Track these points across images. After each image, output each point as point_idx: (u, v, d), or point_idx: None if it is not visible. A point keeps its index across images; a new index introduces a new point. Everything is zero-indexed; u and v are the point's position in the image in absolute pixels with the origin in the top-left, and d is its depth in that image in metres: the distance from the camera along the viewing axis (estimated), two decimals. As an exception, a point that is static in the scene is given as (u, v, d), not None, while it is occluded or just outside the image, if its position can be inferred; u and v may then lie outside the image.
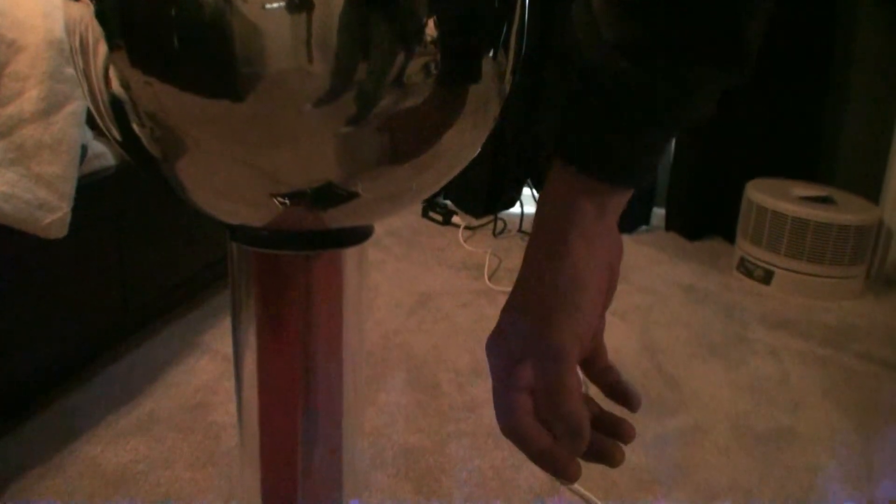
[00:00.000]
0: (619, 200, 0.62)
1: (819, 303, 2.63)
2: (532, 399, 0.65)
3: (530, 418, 0.64)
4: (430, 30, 0.53)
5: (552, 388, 0.60)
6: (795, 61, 2.85)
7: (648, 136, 0.61)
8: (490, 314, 2.33)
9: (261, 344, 0.69)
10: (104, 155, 1.82)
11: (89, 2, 0.57)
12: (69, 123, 1.59)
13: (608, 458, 0.64)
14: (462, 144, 0.62)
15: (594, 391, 0.64)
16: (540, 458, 0.63)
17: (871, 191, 2.83)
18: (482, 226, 3.21)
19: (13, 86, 1.53)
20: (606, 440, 0.64)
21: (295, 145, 0.55)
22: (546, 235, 0.63)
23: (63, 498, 1.52)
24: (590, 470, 0.57)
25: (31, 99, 1.54)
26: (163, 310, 2.25)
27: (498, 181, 3.29)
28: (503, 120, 2.50)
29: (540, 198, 0.64)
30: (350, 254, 0.68)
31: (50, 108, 1.56)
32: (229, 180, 0.58)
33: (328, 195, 0.58)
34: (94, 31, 0.57)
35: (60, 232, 1.57)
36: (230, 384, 0.76)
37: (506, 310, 0.65)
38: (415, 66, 0.53)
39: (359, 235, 0.67)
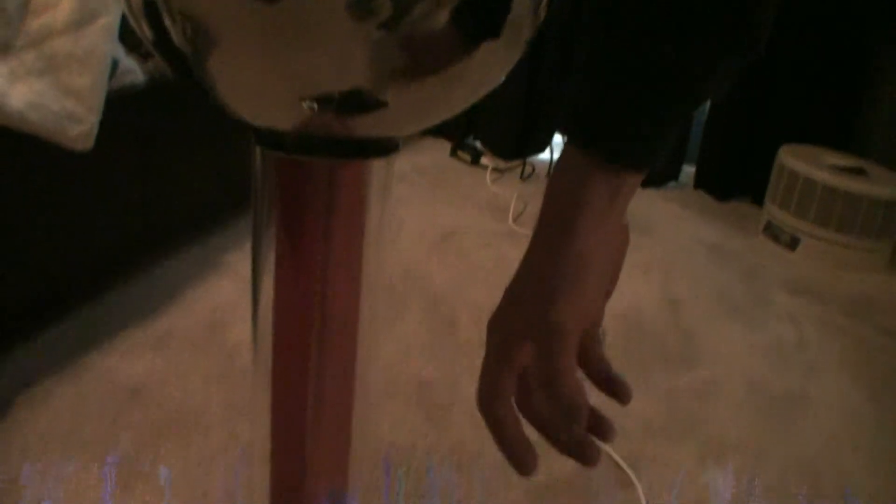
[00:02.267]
0: (632, 184, 0.62)
1: (843, 273, 2.61)
2: (519, 383, 0.65)
3: (509, 402, 0.64)
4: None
5: (550, 368, 0.60)
6: (838, 30, 2.81)
7: (662, 118, 0.60)
8: (512, 255, 2.32)
9: (279, 259, 0.69)
10: (134, 71, 1.81)
11: None
12: (100, 36, 1.58)
13: (583, 455, 0.63)
14: (492, 64, 0.61)
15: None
16: (504, 442, 0.64)
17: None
18: (510, 169, 3.20)
19: (42, 6, 1.52)
20: (585, 436, 0.64)
21: (326, 48, 0.54)
22: (556, 215, 0.62)
23: (76, 406, 1.54)
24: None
25: (63, 10, 1.53)
26: (185, 229, 2.26)
27: (529, 125, 3.27)
28: (538, 63, 2.47)
29: (551, 177, 0.63)
30: (375, 168, 0.68)
31: (82, 19, 1.55)
32: (258, 81, 0.58)
33: (356, 102, 0.57)
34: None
35: (87, 144, 1.57)
36: (248, 305, 0.77)
37: (510, 287, 0.65)
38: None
39: (385, 148, 0.66)
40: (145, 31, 0.61)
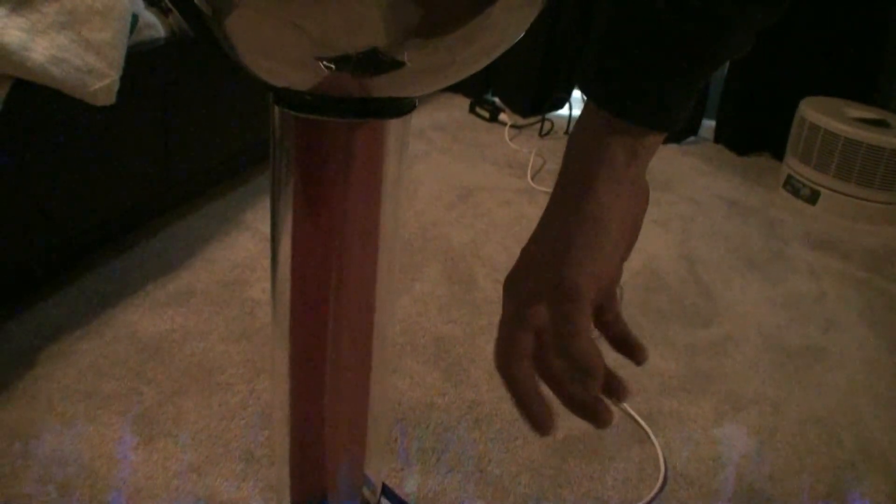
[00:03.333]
0: (652, 144, 0.61)
1: (863, 226, 2.60)
2: (536, 343, 0.65)
3: (527, 361, 0.64)
4: None
5: (565, 329, 0.60)
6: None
7: (683, 77, 0.59)
8: (531, 213, 2.33)
9: (297, 218, 0.69)
10: (155, 26, 1.81)
11: None
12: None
13: (596, 416, 0.63)
14: (508, 22, 0.61)
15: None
16: (521, 401, 0.64)
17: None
18: (529, 125, 3.19)
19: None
20: (599, 397, 0.64)
21: (342, 7, 0.54)
22: (574, 176, 0.62)
23: (98, 361, 1.55)
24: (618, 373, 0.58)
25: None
26: (206, 185, 2.27)
27: (548, 81, 3.25)
28: (557, 19, 2.46)
29: (571, 135, 0.63)
30: (391, 127, 0.68)
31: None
32: (276, 40, 0.58)
33: (373, 62, 0.57)
34: None
35: (108, 99, 1.57)
36: (269, 262, 0.78)
37: (526, 247, 0.65)
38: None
39: (401, 108, 0.66)
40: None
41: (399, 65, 0.58)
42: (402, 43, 0.57)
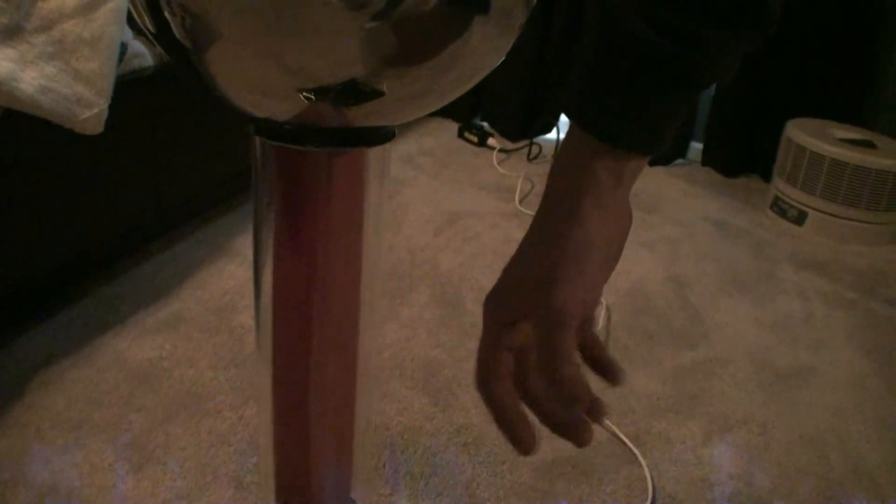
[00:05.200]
0: (636, 167, 0.62)
1: (851, 247, 2.61)
2: (516, 363, 0.65)
3: (506, 381, 0.65)
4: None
5: (552, 354, 0.60)
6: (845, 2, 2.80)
7: (667, 101, 0.60)
8: (519, 237, 2.33)
9: (279, 246, 0.70)
10: (143, 55, 1.82)
11: None
12: (109, 20, 1.59)
13: (577, 436, 0.64)
14: (486, 49, 0.62)
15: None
16: (502, 421, 0.65)
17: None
18: (517, 150, 3.20)
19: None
20: (580, 417, 0.64)
21: (321, 40, 0.55)
22: (559, 199, 0.62)
23: (88, 389, 1.56)
24: (606, 396, 0.58)
25: (69, 2, 1.54)
26: (195, 213, 2.27)
27: (536, 105, 3.27)
28: (545, 43, 2.47)
29: (556, 158, 0.64)
30: (372, 155, 0.68)
31: (91, 3, 1.56)
32: (256, 73, 0.59)
33: (352, 92, 0.58)
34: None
35: (96, 128, 1.58)
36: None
37: (509, 268, 0.65)
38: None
39: (381, 136, 0.67)
40: (147, 24, 0.63)
41: (378, 94, 0.59)
42: (381, 73, 0.58)
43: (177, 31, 0.60)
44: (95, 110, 1.56)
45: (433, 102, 0.65)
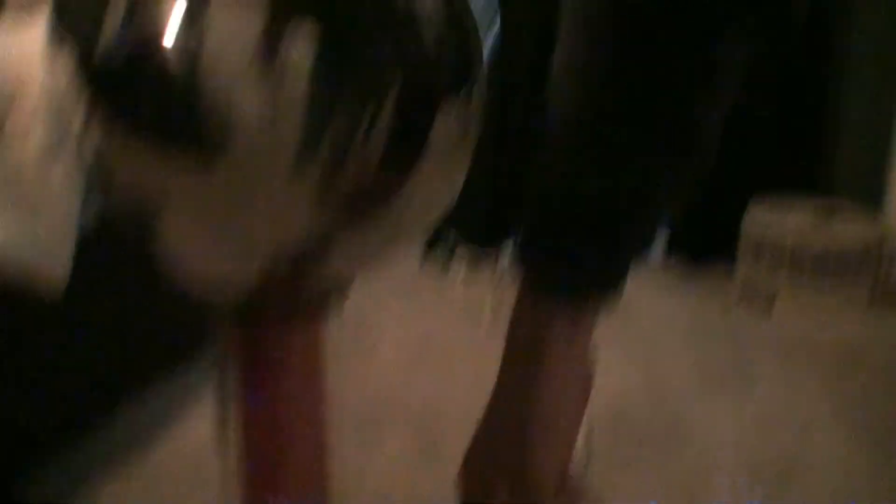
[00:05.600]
0: (592, 316, 0.61)
1: (824, 323, 2.61)
2: None
3: None
4: (394, 90, 0.53)
5: None
6: (789, 79, 2.86)
7: (613, 256, 0.60)
8: (490, 360, 2.31)
9: (239, 407, 0.69)
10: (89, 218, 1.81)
11: (68, 69, 0.57)
12: (68, 182, 1.59)
13: None
14: (433, 195, 0.62)
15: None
16: None
17: (873, 204, 2.81)
18: (484, 265, 3.20)
19: (12, 141, 1.53)
20: None
21: (267, 209, 0.54)
22: (519, 359, 0.62)
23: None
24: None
25: (32, 148, 1.54)
26: (166, 364, 2.24)
27: (502, 217, 3.28)
28: (502, 158, 2.48)
29: (511, 319, 0.63)
30: (328, 316, 0.68)
31: (48, 164, 1.56)
32: (203, 248, 0.58)
33: (304, 260, 0.58)
34: (72, 97, 0.57)
35: (56, 291, 1.56)
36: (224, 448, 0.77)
37: (483, 425, 0.64)
38: (383, 121, 0.53)
39: (338, 293, 0.67)
40: (95, 199, 0.62)
41: (329, 257, 0.59)
42: (333, 235, 0.57)
43: (120, 209, 0.59)
44: (55, 272, 1.55)
45: (390, 252, 0.64)
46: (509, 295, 0.66)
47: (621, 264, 0.60)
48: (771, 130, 2.94)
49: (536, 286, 0.60)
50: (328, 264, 0.59)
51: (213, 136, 0.52)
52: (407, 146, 0.56)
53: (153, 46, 0.52)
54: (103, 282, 1.87)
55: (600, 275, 0.60)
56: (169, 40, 0.51)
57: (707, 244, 3.19)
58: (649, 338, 2.51)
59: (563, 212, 0.58)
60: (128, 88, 0.54)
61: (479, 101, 0.63)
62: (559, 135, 0.57)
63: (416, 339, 2.49)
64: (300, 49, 0.50)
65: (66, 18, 0.57)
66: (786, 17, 0.53)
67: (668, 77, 0.54)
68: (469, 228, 3.33)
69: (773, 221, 2.70)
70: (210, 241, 0.57)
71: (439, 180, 0.62)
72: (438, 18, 0.57)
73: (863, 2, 2.82)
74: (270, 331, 0.65)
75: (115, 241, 1.80)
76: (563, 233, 0.58)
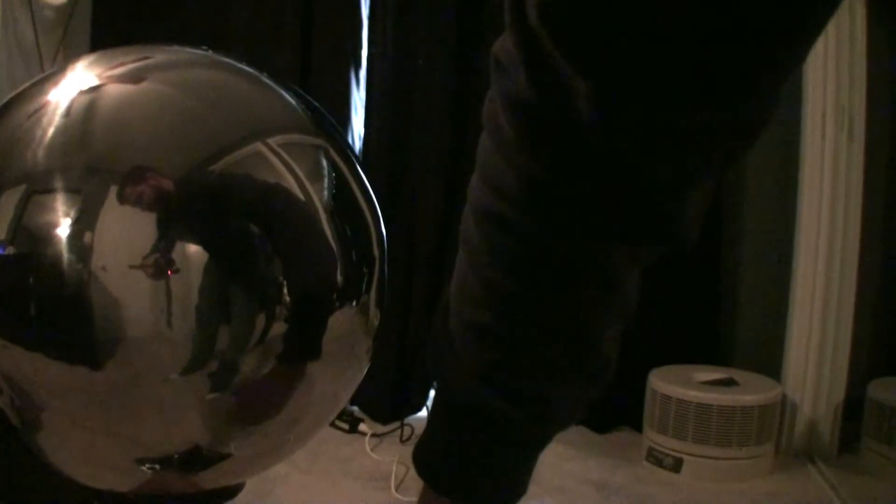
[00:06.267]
0: None
1: (731, 485, 2.62)
2: None
3: None
4: (286, 293, 0.52)
5: None
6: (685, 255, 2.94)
7: (517, 459, 0.60)
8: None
9: None
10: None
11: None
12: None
13: None
14: (331, 392, 0.61)
15: None
16: None
17: (772, 368, 2.88)
18: (389, 432, 3.16)
19: None
20: None
21: (158, 412, 0.53)
22: None
23: None
24: None
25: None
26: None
27: (404, 386, 3.26)
28: (407, 326, 2.48)
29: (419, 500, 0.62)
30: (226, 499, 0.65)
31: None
32: (91, 447, 0.56)
33: (197, 459, 0.56)
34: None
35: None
36: None
37: None
38: (276, 327, 0.52)
39: (232, 492, 0.64)
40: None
41: (226, 457, 0.57)
42: (226, 436, 0.56)
43: (5, 408, 0.57)
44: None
45: (287, 451, 0.63)
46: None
47: (520, 471, 0.60)
48: (669, 309, 3.00)
49: (438, 492, 0.59)
50: (223, 462, 0.57)
51: (102, 334, 0.51)
52: (300, 350, 0.55)
53: (43, 249, 0.51)
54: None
55: (499, 482, 0.59)
56: (59, 243, 0.50)
57: (612, 413, 3.20)
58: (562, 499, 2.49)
59: (464, 424, 0.58)
60: (18, 286, 0.53)
61: (382, 292, 0.63)
62: (460, 339, 0.56)
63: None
64: (190, 263, 0.49)
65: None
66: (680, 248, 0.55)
67: (563, 303, 0.55)
68: (375, 408, 3.30)
69: (676, 385, 2.73)
70: (98, 439, 0.55)
71: (341, 374, 0.61)
72: (339, 215, 0.57)
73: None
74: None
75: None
76: (464, 443, 0.58)
